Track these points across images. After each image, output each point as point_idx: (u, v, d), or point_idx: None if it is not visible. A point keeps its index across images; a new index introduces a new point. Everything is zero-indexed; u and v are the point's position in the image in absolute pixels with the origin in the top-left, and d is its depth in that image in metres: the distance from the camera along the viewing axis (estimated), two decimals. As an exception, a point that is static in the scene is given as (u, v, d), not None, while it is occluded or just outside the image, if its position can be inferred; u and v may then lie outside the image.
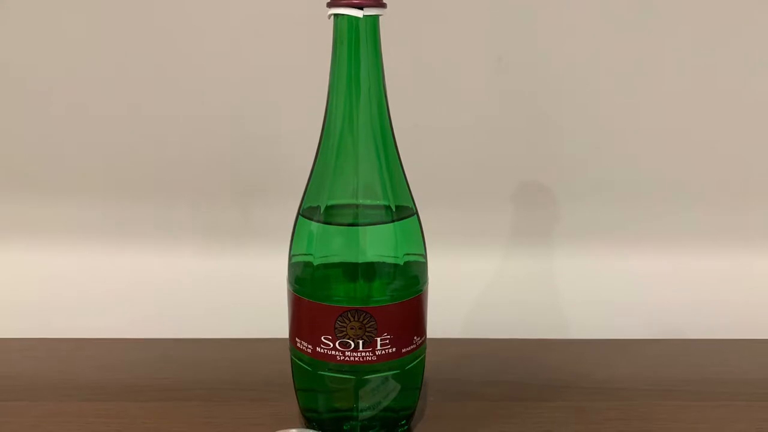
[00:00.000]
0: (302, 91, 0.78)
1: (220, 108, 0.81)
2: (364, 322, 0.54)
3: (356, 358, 0.55)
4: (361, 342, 0.55)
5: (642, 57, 0.81)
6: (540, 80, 0.81)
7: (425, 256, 0.59)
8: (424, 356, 0.61)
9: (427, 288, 0.59)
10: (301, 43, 0.78)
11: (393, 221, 0.56)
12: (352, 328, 0.55)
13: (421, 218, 0.59)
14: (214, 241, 0.85)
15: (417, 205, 0.58)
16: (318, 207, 0.56)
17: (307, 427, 0.60)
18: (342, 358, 0.55)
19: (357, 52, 0.53)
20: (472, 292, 0.86)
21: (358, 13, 0.52)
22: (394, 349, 0.56)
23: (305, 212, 0.57)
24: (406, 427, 0.62)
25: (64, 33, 0.80)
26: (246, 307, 0.83)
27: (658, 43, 0.80)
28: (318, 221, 0.56)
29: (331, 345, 0.55)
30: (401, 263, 0.56)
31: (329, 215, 0.55)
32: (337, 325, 0.55)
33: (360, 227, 0.56)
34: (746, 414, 0.66)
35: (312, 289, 0.56)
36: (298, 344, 0.58)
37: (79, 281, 0.85)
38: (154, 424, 0.63)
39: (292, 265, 0.58)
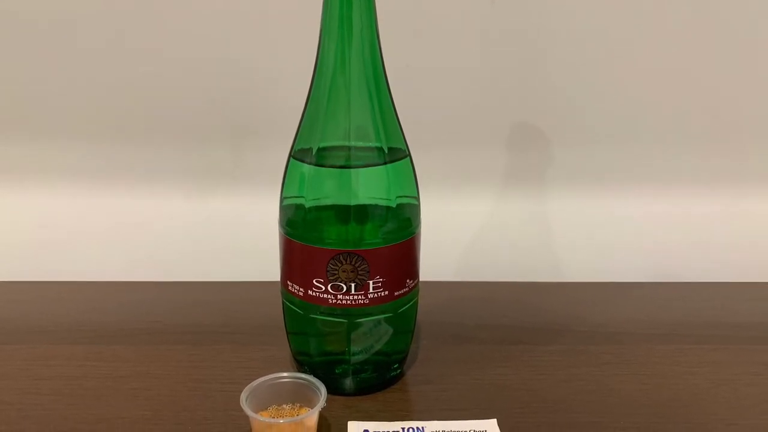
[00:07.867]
0: (295, 31, 0.76)
1: (212, 49, 0.79)
2: (356, 264, 0.54)
3: (348, 301, 0.55)
4: (353, 285, 0.54)
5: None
6: (535, 21, 0.79)
7: (418, 199, 0.58)
8: (417, 299, 0.61)
9: (419, 231, 0.58)
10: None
11: (385, 163, 0.55)
12: (344, 271, 0.54)
13: (414, 160, 0.58)
14: (205, 183, 0.84)
15: (410, 147, 0.57)
16: (310, 149, 0.55)
17: (299, 371, 0.59)
18: (334, 301, 0.55)
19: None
20: (466, 234, 0.85)
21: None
22: (386, 292, 0.55)
23: (297, 154, 0.56)
24: (398, 371, 0.62)
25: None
26: (237, 249, 0.83)
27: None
28: (310, 163, 0.55)
29: (323, 288, 0.55)
30: (394, 206, 0.56)
31: (321, 157, 0.54)
32: (329, 268, 0.54)
33: (352, 169, 0.55)
34: (743, 357, 0.66)
35: (304, 231, 0.55)
36: (290, 287, 0.57)
37: (68, 224, 0.84)
38: (145, 367, 0.63)
39: (283, 208, 0.57)
